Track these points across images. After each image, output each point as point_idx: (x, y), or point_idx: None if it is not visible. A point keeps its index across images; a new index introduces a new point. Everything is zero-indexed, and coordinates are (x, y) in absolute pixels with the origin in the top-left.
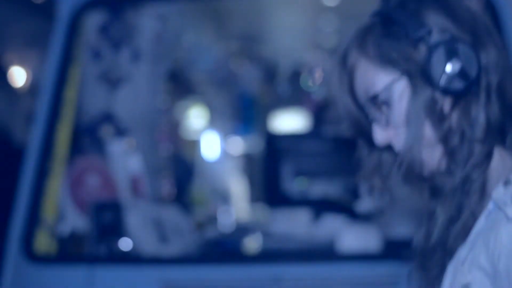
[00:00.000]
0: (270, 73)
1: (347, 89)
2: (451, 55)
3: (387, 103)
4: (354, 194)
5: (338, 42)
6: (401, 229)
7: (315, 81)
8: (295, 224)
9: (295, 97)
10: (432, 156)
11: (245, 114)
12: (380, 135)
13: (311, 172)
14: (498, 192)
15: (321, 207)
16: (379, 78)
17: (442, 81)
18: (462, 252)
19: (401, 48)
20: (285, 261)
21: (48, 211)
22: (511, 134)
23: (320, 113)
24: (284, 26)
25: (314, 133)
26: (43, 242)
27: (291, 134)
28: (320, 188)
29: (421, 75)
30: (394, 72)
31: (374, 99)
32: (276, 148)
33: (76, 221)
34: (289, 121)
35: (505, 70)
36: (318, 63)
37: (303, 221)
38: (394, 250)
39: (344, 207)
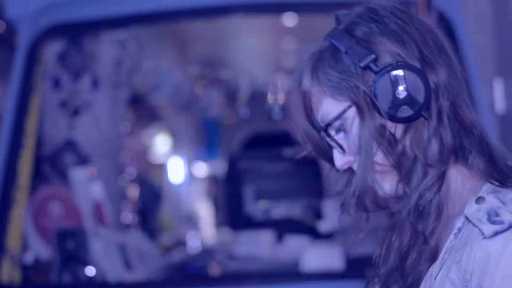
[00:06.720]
0: (232, 96)
1: (304, 115)
2: (396, 83)
3: (343, 130)
4: (317, 214)
5: (297, 63)
6: (364, 248)
7: (277, 102)
8: (259, 246)
9: (257, 119)
10: (387, 181)
11: (209, 137)
12: (339, 160)
13: (274, 193)
14: (471, 209)
15: (284, 228)
16: (332, 107)
17: (389, 110)
18: (435, 268)
19: (348, 77)
20: (249, 283)
21: (12, 240)
22: (473, 154)
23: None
24: (246, 48)
25: (276, 154)
26: (8, 271)
27: (253, 156)
28: (283, 209)
29: (369, 104)
30: (344, 101)
31: (330, 126)
32: (238, 170)
33: (40, 249)
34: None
35: (457, 90)
36: (280, 84)
37: (266, 242)
38: (357, 268)
39: (306, 227)
